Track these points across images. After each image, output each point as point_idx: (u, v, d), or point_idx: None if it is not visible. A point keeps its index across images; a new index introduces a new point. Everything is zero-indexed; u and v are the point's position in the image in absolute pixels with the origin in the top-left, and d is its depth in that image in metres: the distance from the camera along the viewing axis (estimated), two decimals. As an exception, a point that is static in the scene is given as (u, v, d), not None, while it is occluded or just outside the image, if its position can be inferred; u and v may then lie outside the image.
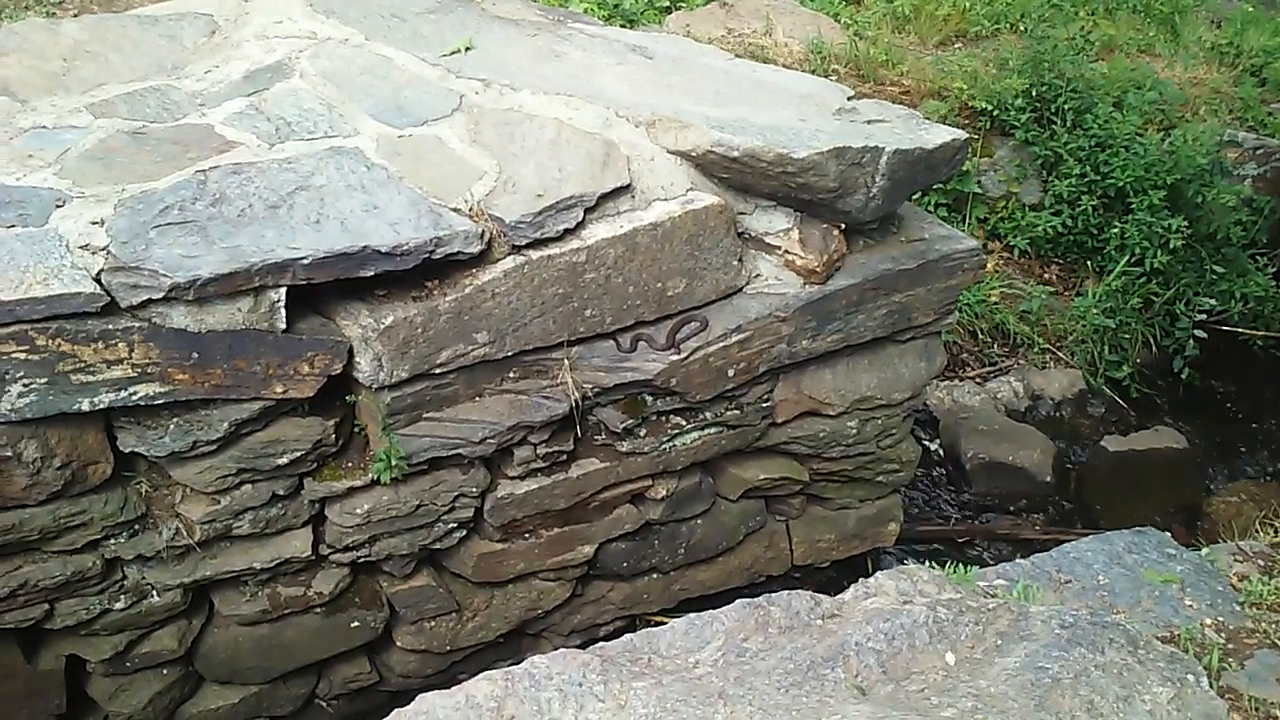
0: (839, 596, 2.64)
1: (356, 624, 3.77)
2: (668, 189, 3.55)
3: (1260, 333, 6.59)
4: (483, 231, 3.24)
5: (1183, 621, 2.77)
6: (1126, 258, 6.45)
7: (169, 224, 3.02)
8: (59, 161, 3.27)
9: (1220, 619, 2.81)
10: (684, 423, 3.85)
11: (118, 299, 2.90)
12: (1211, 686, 2.34)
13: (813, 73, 6.22)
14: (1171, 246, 6.32)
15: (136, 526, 3.30)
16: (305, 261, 3.02)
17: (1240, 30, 8.28)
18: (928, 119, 4.04)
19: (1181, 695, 2.24)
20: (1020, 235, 6.71)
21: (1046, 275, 6.80)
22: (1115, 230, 6.49)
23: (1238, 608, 2.88)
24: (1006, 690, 2.17)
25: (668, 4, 7.61)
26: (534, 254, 3.33)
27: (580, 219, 3.38)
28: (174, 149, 3.36)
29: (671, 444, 3.86)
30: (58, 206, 3.06)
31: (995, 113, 6.80)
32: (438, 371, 3.34)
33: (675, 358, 3.62)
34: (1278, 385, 6.69)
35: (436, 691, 2.19)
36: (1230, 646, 2.67)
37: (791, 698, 2.16)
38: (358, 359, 3.22)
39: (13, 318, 2.79)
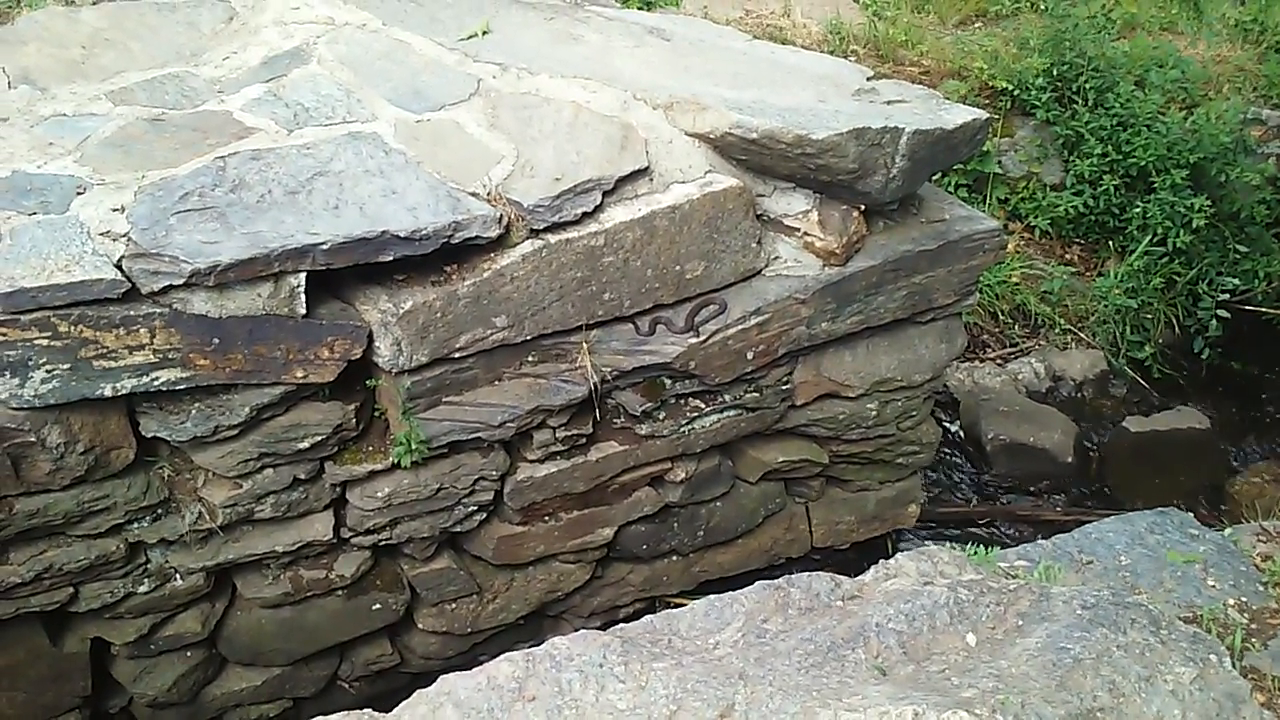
0: (859, 578, 2.64)
1: (378, 606, 3.79)
2: (686, 171, 3.53)
3: (1284, 312, 6.53)
4: (501, 215, 3.24)
5: (1205, 602, 2.76)
6: (1149, 237, 6.39)
7: (189, 210, 3.03)
8: (79, 149, 3.28)
9: (1243, 599, 2.80)
10: (703, 405, 3.85)
11: (139, 285, 2.91)
12: (1234, 667, 2.33)
13: (831, 53, 6.18)
14: (1194, 226, 6.26)
15: (159, 511, 3.32)
16: (324, 247, 3.03)
17: (1265, 7, 8.15)
18: (948, 99, 4.01)
19: (1204, 675, 2.23)
20: (1041, 215, 6.66)
21: (1068, 255, 6.75)
22: (1137, 210, 6.42)
23: (1261, 588, 2.86)
24: (1028, 671, 2.16)
25: (685, -15, 7.58)
26: (552, 238, 3.33)
27: (598, 202, 3.37)
28: (193, 135, 3.37)
29: (690, 427, 3.86)
30: (78, 194, 3.07)
31: (1016, 92, 6.74)
32: (457, 355, 3.35)
33: (694, 341, 3.61)
34: (1301, 365, 6.64)
35: (458, 673, 2.20)
36: (1253, 627, 2.66)
37: (812, 678, 2.16)
38: (377, 343, 3.23)
39: (35, 304, 2.81)
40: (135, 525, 3.31)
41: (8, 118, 3.43)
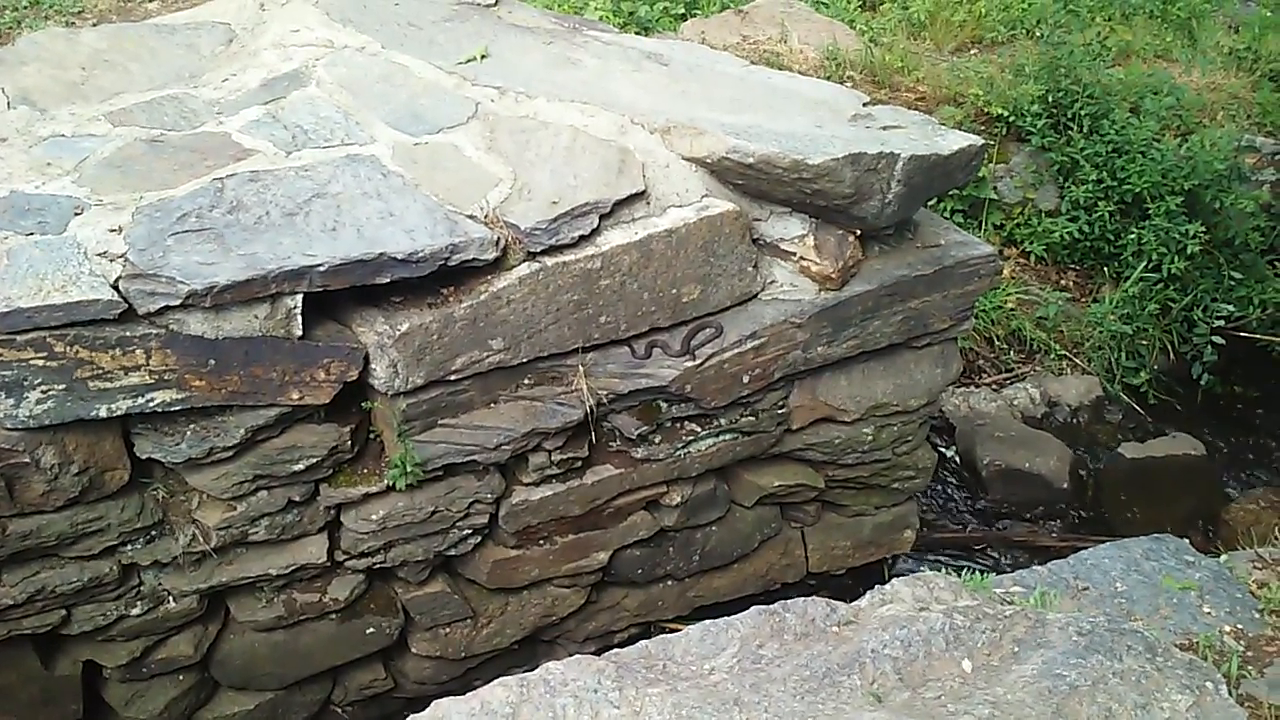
0: (855, 603, 2.63)
1: (372, 630, 3.77)
2: (683, 195, 3.54)
3: (1279, 339, 6.53)
4: (498, 238, 3.25)
5: (1201, 629, 2.75)
6: (1144, 264, 6.41)
7: (186, 231, 3.03)
8: (77, 169, 3.29)
9: (1239, 626, 2.79)
10: (699, 429, 3.85)
11: (135, 306, 2.91)
12: (1230, 694, 2.32)
13: (828, 79, 6.21)
14: (1189, 252, 6.28)
15: (153, 532, 3.32)
16: (322, 269, 3.03)
17: (1258, 35, 8.21)
18: (943, 125, 4.03)
19: (1200, 703, 2.22)
20: (1037, 241, 6.67)
21: (1063, 281, 6.76)
22: (1132, 236, 6.45)
23: (1257, 615, 2.85)
24: (1023, 698, 2.16)
25: (683, 11, 7.61)
26: (549, 261, 3.33)
27: (595, 226, 3.38)
28: (191, 157, 3.38)
29: (686, 450, 3.85)
30: (76, 214, 3.08)
31: (1011, 118, 6.77)
32: (453, 378, 3.35)
33: (690, 364, 3.61)
34: (1296, 391, 6.65)
35: (451, 698, 2.19)
36: (1249, 654, 2.65)
37: (807, 705, 2.15)
38: (373, 365, 3.23)
39: (31, 324, 2.81)
40: (129, 547, 3.30)
41: (6, 138, 3.44)
